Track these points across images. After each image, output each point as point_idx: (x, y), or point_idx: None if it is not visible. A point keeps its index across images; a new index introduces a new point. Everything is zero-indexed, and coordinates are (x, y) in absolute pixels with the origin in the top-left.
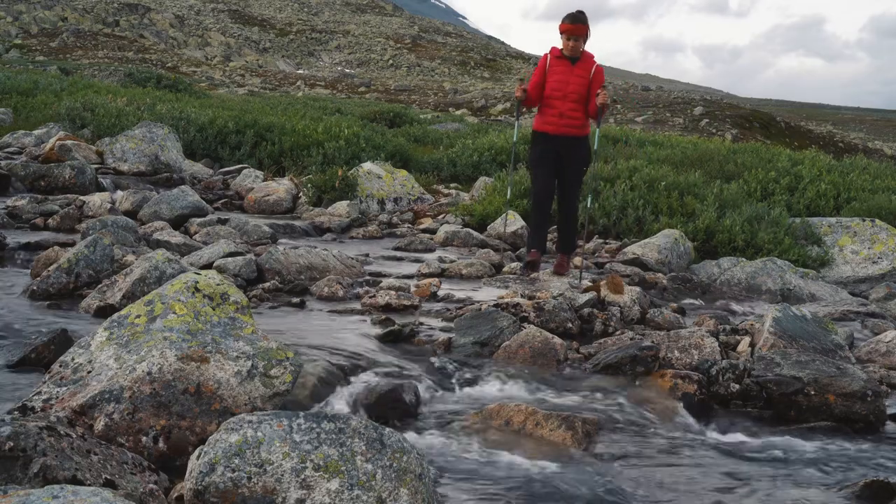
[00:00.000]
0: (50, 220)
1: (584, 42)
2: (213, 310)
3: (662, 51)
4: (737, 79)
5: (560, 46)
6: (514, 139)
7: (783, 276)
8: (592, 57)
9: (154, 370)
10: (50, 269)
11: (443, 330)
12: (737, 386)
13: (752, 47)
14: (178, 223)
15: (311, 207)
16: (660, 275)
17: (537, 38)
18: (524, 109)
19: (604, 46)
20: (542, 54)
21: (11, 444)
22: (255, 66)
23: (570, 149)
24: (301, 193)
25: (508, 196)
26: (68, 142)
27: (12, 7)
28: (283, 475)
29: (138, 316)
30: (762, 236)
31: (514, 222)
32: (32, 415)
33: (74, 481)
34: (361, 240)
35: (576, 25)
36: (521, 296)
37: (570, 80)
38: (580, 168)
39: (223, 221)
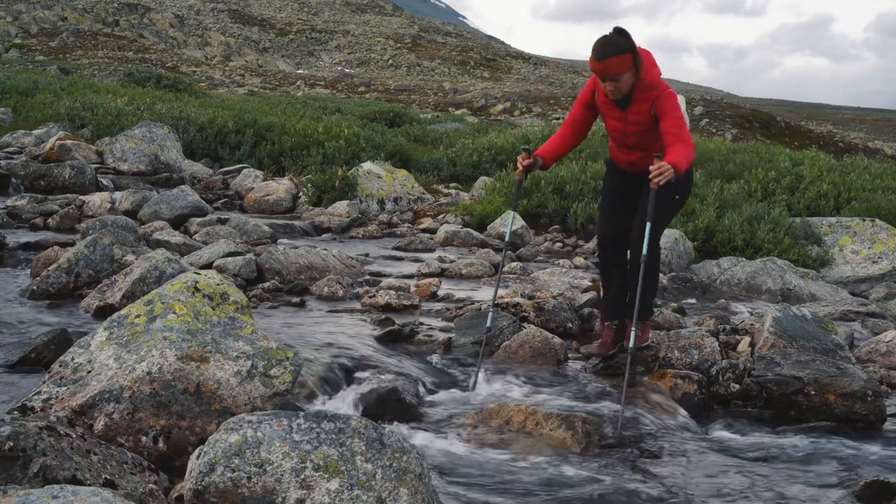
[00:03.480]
0: (50, 220)
1: (634, 74)
2: (213, 310)
3: (668, 51)
4: (741, 79)
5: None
6: (507, 237)
7: (783, 276)
8: (653, 85)
9: (154, 370)
10: (50, 268)
11: (443, 330)
12: (737, 386)
13: (756, 47)
14: (178, 223)
15: (310, 207)
16: (660, 275)
17: (542, 37)
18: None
19: None
20: (546, 55)
21: (11, 444)
22: (254, 66)
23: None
24: (301, 193)
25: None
26: (68, 142)
27: (12, 7)
28: (282, 475)
29: (138, 316)
30: (762, 236)
31: (514, 222)
32: (32, 415)
33: (74, 481)
34: (361, 239)
35: (604, 63)
36: (521, 295)
37: (626, 131)
38: (667, 194)
39: (223, 221)
